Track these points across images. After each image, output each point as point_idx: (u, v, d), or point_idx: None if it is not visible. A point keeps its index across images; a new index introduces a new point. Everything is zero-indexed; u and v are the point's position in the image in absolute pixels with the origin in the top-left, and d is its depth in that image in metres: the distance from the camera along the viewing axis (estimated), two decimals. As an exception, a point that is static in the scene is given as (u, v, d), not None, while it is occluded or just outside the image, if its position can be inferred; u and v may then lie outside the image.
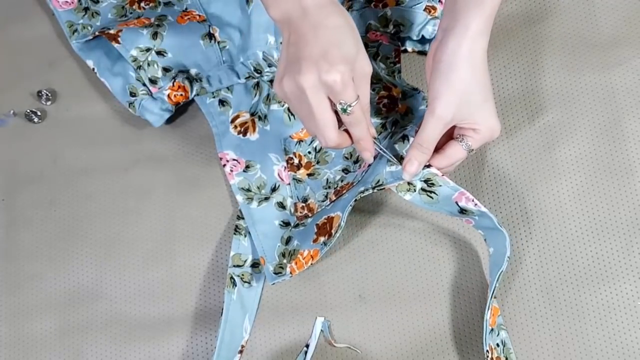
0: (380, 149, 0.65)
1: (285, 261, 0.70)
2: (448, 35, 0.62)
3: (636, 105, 0.73)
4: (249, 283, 0.73)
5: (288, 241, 0.71)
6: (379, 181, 0.66)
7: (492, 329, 0.66)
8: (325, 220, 0.69)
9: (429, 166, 0.64)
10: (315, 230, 0.69)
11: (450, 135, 0.65)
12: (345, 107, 0.59)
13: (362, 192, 0.65)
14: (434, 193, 0.65)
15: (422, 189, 0.65)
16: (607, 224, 0.70)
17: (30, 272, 0.77)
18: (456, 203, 0.65)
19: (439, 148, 0.65)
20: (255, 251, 0.73)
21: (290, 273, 0.69)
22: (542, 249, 0.71)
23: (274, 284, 0.71)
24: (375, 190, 0.65)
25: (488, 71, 0.63)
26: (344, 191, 0.71)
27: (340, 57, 0.58)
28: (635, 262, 0.69)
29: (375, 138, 0.64)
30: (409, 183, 0.65)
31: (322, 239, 0.68)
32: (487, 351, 0.64)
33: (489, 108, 0.63)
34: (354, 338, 0.71)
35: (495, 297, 0.67)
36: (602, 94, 0.74)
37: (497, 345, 0.66)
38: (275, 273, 0.70)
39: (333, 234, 0.67)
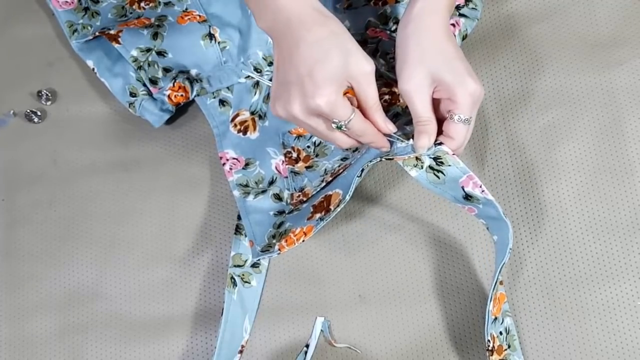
0: (398, 138, 0.64)
1: (274, 241, 0.69)
2: (407, 14, 0.63)
3: (636, 105, 0.73)
4: (250, 283, 0.73)
5: (280, 225, 0.71)
6: (388, 153, 0.64)
7: (495, 318, 0.66)
8: (322, 199, 0.68)
9: (440, 144, 0.63)
10: (312, 209, 0.68)
11: (441, 120, 0.64)
12: (339, 126, 0.60)
13: (370, 161, 0.64)
14: (442, 173, 0.63)
15: (430, 167, 0.63)
16: (607, 224, 0.70)
17: (30, 272, 0.77)
18: (462, 188, 0.63)
19: (439, 133, 0.64)
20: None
21: (279, 250, 0.67)
22: (542, 248, 0.71)
23: (258, 260, 0.70)
24: (382, 160, 0.64)
25: (452, 42, 0.62)
26: (341, 170, 0.70)
27: (325, 76, 0.57)
28: (635, 262, 0.69)
29: (394, 133, 0.63)
30: (417, 158, 0.63)
31: (318, 215, 0.66)
32: (489, 341, 0.64)
33: (459, 72, 0.61)
34: (354, 338, 0.71)
35: (502, 284, 0.67)
36: (602, 94, 0.74)
37: (500, 333, 0.66)
38: (262, 251, 0.68)
39: (332, 209, 0.65)
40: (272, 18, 0.60)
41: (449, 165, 0.63)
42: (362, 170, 0.64)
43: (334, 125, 0.60)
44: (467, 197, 0.63)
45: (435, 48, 0.61)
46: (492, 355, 0.65)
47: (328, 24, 0.59)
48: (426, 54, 0.61)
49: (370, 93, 0.60)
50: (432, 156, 0.63)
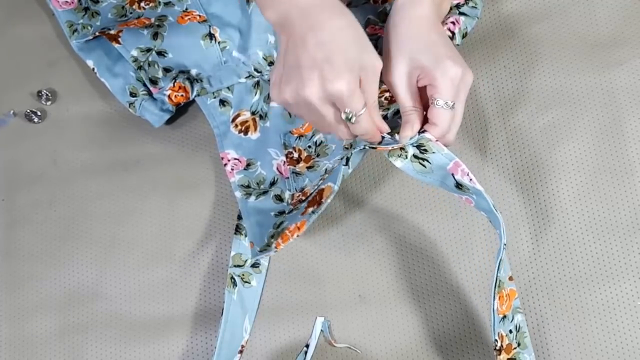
0: (390, 138, 0.64)
1: (272, 240, 0.69)
2: (393, 6, 0.64)
3: (636, 105, 0.73)
4: (250, 283, 0.73)
5: (279, 225, 0.71)
6: (372, 143, 0.64)
7: (504, 316, 0.64)
8: (316, 194, 0.68)
9: (424, 131, 0.62)
10: (306, 205, 0.68)
11: (426, 106, 0.64)
12: (350, 117, 0.59)
13: (354, 148, 0.64)
14: (427, 161, 0.62)
15: (415, 156, 0.62)
16: (607, 224, 0.70)
17: (30, 272, 0.77)
18: (452, 175, 0.62)
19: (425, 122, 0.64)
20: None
21: (276, 247, 0.66)
22: (542, 248, 0.71)
23: (258, 260, 0.71)
24: (366, 148, 0.64)
25: (435, 30, 0.63)
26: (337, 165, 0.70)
27: (345, 63, 0.56)
28: (635, 262, 0.69)
29: (388, 134, 0.63)
30: (401, 148, 0.63)
31: (310, 209, 0.66)
32: (496, 340, 0.63)
33: (438, 56, 0.61)
34: (354, 338, 0.71)
35: (512, 279, 0.66)
36: (602, 94, 0.74)
37: (510, 331, 0.65)
38: (260, 251, 0.69)
39: (323, 202, 0.65)
40: (285, 7, 0.59)
41: (433, 153, 0.62)
42: (348, 159, 0.64)
43: (343, 116, 0.59)
44: (459, 185, 0.63)
45: (416, 36, 0.62)
46: (499, 354, 0.64)
47: (347, 15, 0.59)
48: (406, 43, 0.61)
49: (372, 90, 0.60)
50: (415, 144, 0.62)
